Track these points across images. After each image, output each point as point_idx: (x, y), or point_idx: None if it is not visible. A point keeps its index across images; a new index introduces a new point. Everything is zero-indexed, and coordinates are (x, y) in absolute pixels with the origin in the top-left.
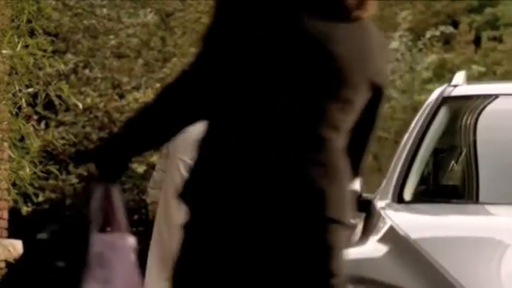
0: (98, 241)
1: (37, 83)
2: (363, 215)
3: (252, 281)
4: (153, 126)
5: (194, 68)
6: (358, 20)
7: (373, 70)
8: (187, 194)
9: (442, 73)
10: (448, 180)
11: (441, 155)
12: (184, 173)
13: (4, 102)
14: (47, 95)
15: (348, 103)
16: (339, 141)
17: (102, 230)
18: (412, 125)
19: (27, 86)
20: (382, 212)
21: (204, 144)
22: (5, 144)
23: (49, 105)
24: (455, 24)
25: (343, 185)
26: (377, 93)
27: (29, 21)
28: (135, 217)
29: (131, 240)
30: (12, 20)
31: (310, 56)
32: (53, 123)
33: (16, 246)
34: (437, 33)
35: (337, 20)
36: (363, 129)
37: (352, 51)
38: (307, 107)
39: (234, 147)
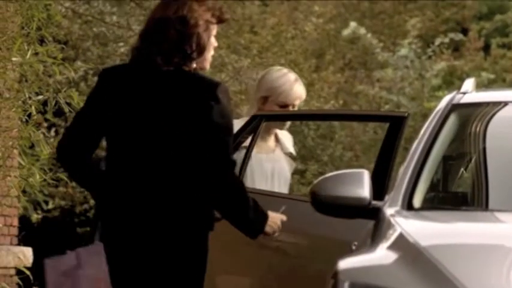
0: None
1: (47, 91)
2: (373, 222)
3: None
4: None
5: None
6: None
7: None
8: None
9: (452, 80)
10: (458, 188)
11: (450, 162)
12: None
13: (14, 109)
14: (57, 102)
15: None
16: None
17: None
18: (422, 132)
19: (37, 94)
20: (391, 219)
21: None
22: (15, 151)
23: (59, 112)
24: (464, 31)
25: None
26: None
27: (38, 28)
28: None
29: None
30: (22, 28)
31: None
32: (62, 131)
33: (26, 254)
34: (447, 40)
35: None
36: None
37: None
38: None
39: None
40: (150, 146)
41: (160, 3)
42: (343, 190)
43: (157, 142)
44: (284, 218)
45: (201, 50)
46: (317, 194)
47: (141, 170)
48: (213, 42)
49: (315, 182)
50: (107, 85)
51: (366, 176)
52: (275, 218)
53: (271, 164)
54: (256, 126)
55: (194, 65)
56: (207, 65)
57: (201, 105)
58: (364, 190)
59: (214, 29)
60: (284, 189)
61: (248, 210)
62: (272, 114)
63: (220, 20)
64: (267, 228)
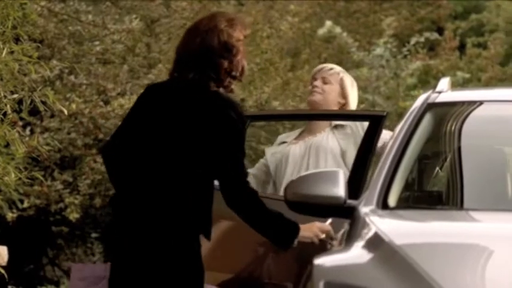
0: None
1: (22, 89)
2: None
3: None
4: None
5: None
6: None
7: None
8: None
9: (427, 79)
10: (433, 187)
11: (426, 161)
12: None
13: None
14: (32, 101)
15: None
16: None
17: None
18: (397, 131)
19: (12, 92)
20: (366, 218)
21: None
22: None
23: (34, 111)
24: (440, 30)
25: None
26: None
27: (14, 27)
28: None
29: None
30: None
31: None
32: (38, 130)
33: (1, 253)
34: (422, 39)
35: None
36: None
37: None
38: None
39: None
40: (163, 155)
41: (195, 30)
42: (318, 189)
43: (171, 152)
44: (326, 227)
45: (244, 70)
46: (292, 193)
47: (149, 178)
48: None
49: (290, 181)
50: (149, 98)
51: (341, 175)
52: (311, 227)
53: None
54: None
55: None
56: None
57: (221, 121)
58: (339, 189)
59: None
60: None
61: (268, 223)
62: (256, 114)
63: (246, 35)
64: (302, 238)
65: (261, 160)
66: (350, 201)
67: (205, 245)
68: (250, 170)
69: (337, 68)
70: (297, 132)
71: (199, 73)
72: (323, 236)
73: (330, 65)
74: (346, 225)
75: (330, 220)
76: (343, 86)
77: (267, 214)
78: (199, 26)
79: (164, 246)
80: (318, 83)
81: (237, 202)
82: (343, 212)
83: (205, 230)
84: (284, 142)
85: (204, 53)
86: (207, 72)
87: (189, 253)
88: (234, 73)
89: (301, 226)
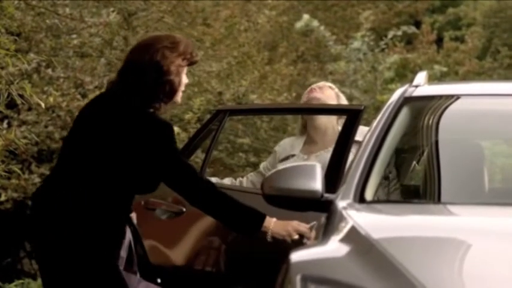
0: None
1: None
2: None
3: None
4: None
5: None
6: None
7: None
8: None
9: (404, 73)
10: (410, 180)
11: (403, 155)
12: None
13: None
14: (9, 94)
15: None
16: None
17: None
18: (374, 124)
19: None
20: (343, 212)
21: None
22: None
23: (11, 104)
24: (417, 24)
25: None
26: None
27: None
28: None
29: None
30: None
31: None
32: (15, 123)
33: None
34: (400, 33)
35: None
36: None
37: None
38: None
39: None
40: (85, 164)
41: (137, 46)
42: (295, 183)
43: (95, 161)
44: (302, 228)
45: (173, 93)
46: (269, 187)
47: (69, 184)
48: (184, 80)
49: (267, 175)
50: (85, 108)
51: (318, 169)
52: (286, 226)
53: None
54: (220, 121)
55: (157, 104)
56: (179, 100)
57: (147, 140)
58: (317, 183)
59: (184, 70)
60: None
61: (228, 212)
62: (236, 108)
63: (191, 63)
64: (276, 235)
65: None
66: (327, 195)
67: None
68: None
69: (327, 83)
70: (300, 142)
71: (124, 87)
72: (296, 236)
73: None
74: (323, 219)
75: (313, 223)
76: (338, 95)
77: (226, 204)
78: (143, 41)
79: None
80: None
81: (195, 200)
82: (320, 206)
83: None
84: (292, 155)
85: (132, 68)
86: (131, 88)
87: (93, 258)
88: (160, 95)
89: (277, 222)
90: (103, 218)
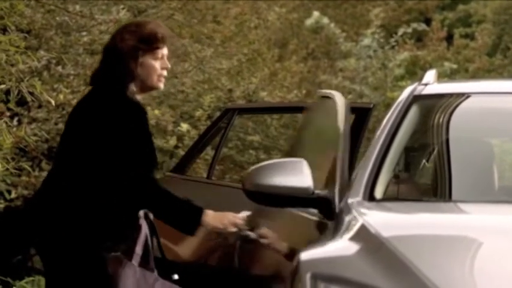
0: None
1: (9, 80)
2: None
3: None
4: None
5: None
6: None
7: None
8: None
9: (414, 70)
10: (420, 179)
11: (412, 153)
12: None
13: None
14: (20, 91)
15: None
16: None
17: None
18: (383, 123)
19: (0, 83)
20: (353, 210)
21: None
22: None
23: (21, 101)
24: (427, 21)
25: None
26: None
27: (1, 17)
28: None
29: None
30: None
31: None
32: (25, 120)
33: None
34: (410, 30)
35: None
36: None
37: None
38: None
39: None
40: (62, 157)
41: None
42: (283, 180)
43: (68, 153)
44: (238, 220)
45: (131, 75)
46: (252, 183)
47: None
48: (158, 65)
49: (249, 170)
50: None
51: (305, 164)
52: (222, 219)
53: None
54: (229, 119)
55: (133, 87)
56: (159, 85)
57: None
58: (307, 179)
59: (154, 54)
60: None
61: (169, 212)
62: (244, 107)
63: (155, 47)
64: (213, 228)
65: None
66: (318, 192)
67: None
68: None
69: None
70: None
71: (96, 75)
72: (234, 229)
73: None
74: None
75: (246, 213)
76: None
77: (166, 204)
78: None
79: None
80: None
81: (136, 200)
82: (312, 203)
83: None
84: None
85: (102, 55)
86: (99, 74)
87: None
88: (125, 78)
89: (213, 215)
90: (87, 209)
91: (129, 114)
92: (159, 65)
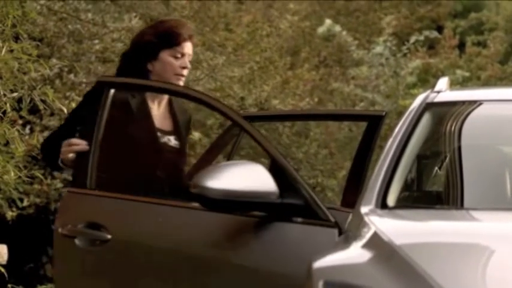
0: None
1: (22, 88)
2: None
3: None
4: None
5: None
6: None
7: None
8: None
9: (426, 78)
10: (432, 186)
11: (425, 161)
12: None
13: None
14: (32, 99)
15: None
16: None
17: None
18: (396, 130)
19: (12, 91)
20: (365, 217)
21: None
22: None
23: (34, 109)
24: (439, 29)
25: None
26: None
27: (13, 25)
28: None
29: None
30: None
31: None
32: (37, 128)
33: (1, 251)
34: (422, 38)
35: None
36: None
37: None
38: None
39: None
40: None
41: None
42: (249, 184)
43: None
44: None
45: (143, 69)
46: (207, 188)
47: None
48: (173, 61)
49: (199, 174)
50: None
51: (264, 168)
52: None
53: None
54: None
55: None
56: (175, 81)
57: None
58: (271, 184)
59: (172, 50)
60: None
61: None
62: (257, 115)
63: (173, 44)
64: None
65: None
66: (285, 199)
67: None
68: None
69: None
70: None
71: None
72: (71, 154)
73: None
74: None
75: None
76: None
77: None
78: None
79: None
80: None
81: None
82: (278, 209)
83: None
84: None
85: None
86: (119, 67)
87: None
88: (139, 72)
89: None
90: None
91: (88, 103)
92: (177, 62)
